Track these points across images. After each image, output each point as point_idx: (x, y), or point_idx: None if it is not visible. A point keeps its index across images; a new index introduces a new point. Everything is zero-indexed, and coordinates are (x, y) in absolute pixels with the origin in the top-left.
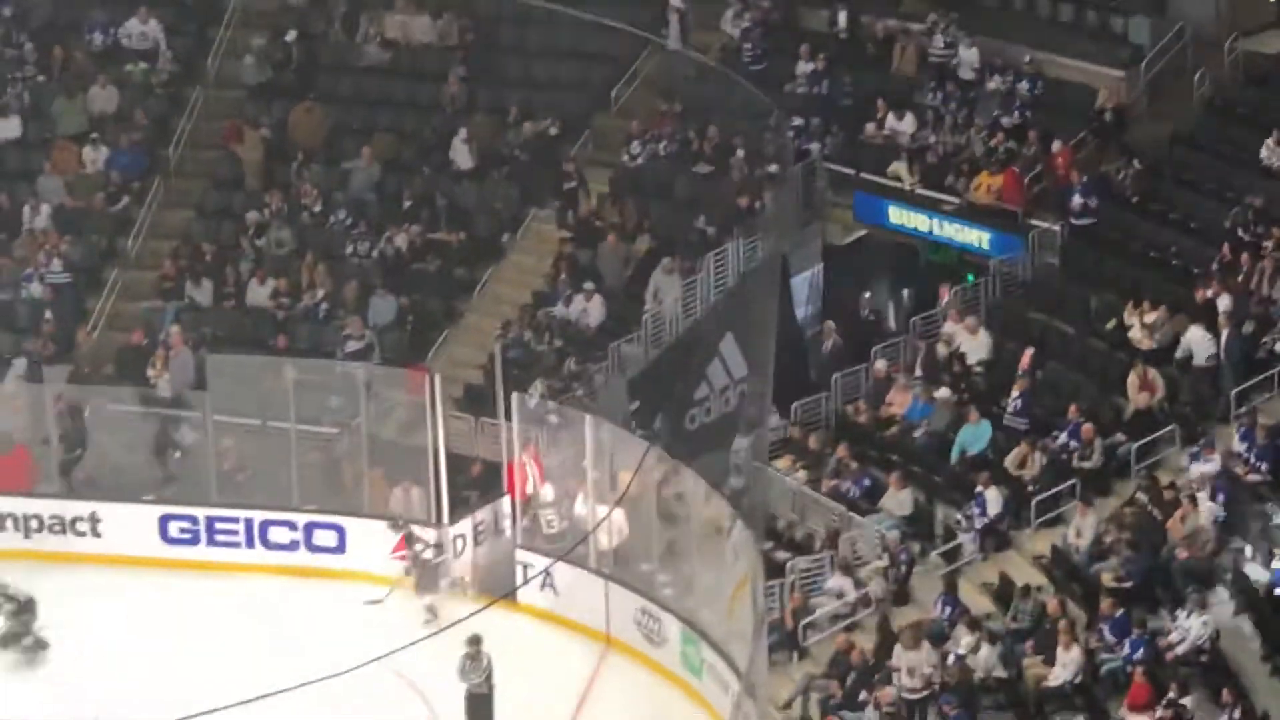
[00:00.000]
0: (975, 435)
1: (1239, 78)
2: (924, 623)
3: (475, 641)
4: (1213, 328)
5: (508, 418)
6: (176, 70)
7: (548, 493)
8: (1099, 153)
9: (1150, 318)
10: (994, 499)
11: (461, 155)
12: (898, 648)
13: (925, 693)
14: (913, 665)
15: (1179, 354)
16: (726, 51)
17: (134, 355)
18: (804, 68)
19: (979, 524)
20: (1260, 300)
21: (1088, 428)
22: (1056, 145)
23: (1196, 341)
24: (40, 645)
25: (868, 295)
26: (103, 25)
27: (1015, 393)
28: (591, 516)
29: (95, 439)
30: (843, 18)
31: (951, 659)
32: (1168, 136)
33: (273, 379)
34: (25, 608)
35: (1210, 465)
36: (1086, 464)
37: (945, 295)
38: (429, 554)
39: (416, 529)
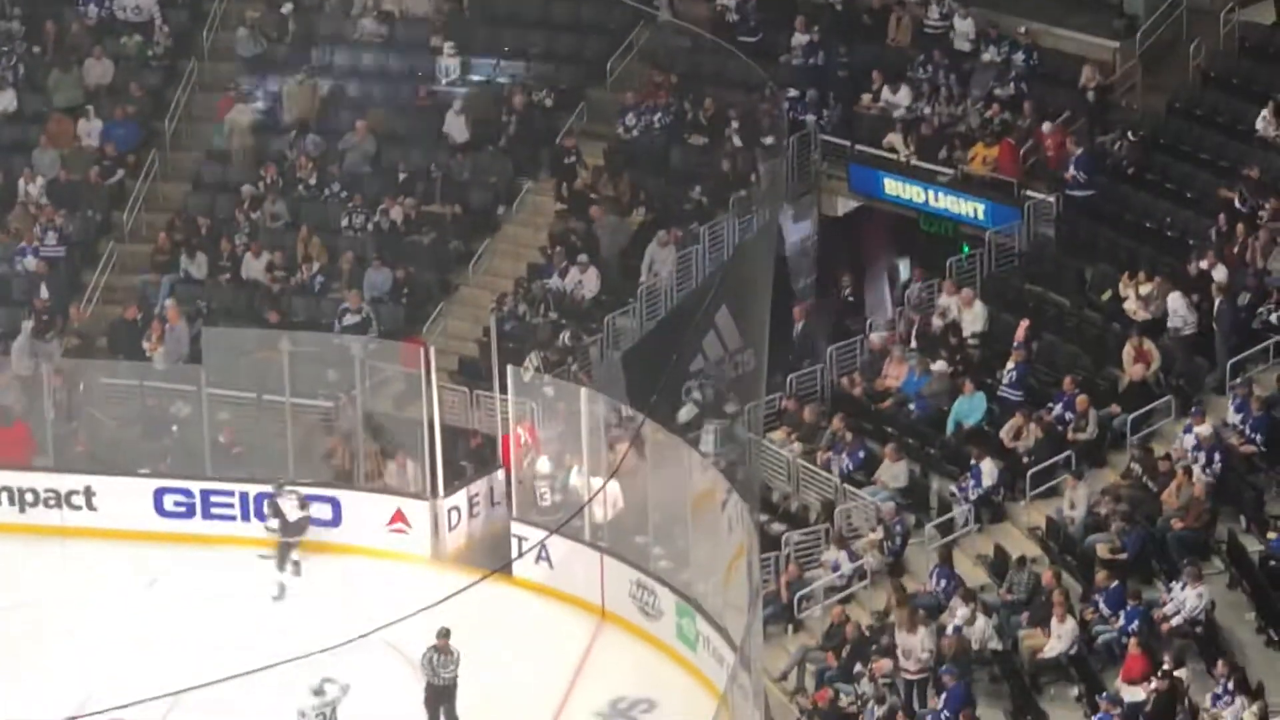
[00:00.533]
0: (970, 407)
1: (1235, 48)
2: (919, 612)
3: (444, 634)
4: (1205, 298)
5: (503, 391)
6: (171, 43)
7: (544, 465)
8: (1091, 125)
9: (1145, 289)
10: (989, 470)
11: (456, 128)
12: (897, 631)
13: (924, 675)
14: (909, 648)
15: (1170, 324)
16: (720, 23)
17: (129, 329)
18: (799, 39)
19: (974, 496)
20: (1256, 271)
21: (1082, 399)
22: (1047, 126)
23: (1176, 308)
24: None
25: (847, 277)
26: None
27: (1010, 364)
28: (586, 489)
29: (90, 413)
30: None
31: (950, 629)
32: (1163, 107)
33: (268, 352)
34: None
35: (1202, 430)
36: (1081, 435)
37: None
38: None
39: (284, 501)
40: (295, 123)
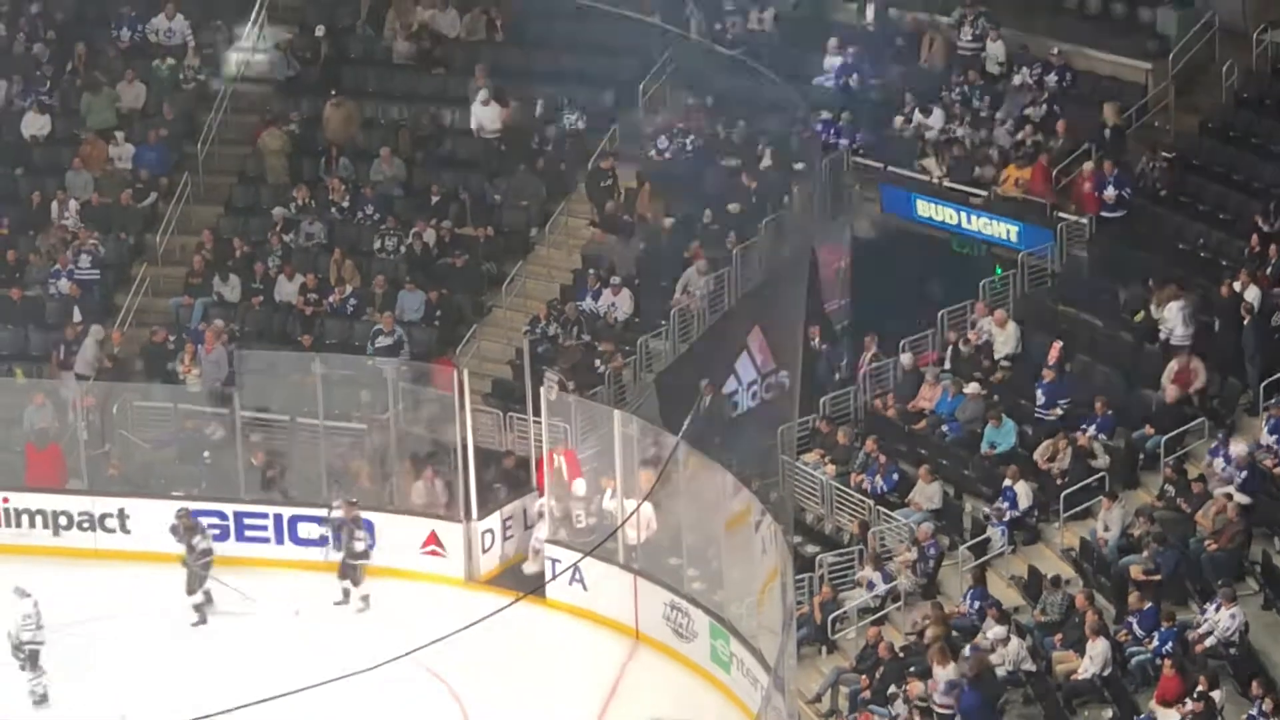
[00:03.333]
0: (1000, 435)
1: (1267, 69)
2: (951, 647)
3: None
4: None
5: (536, 412)
6: (204, 66)
7: (580, 487)
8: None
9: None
10: (1024, 492)
11: (486, 117)
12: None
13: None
14: (940, 680)
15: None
16: (754, 45)
17: (162, 351)
18: (831, 61)
19: (1007, 518)
20: None
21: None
22: (1086, 167)
23: (1170, 318)
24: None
25: (815, 329)
26: (130, 21)
27: (1043, 386)
28: (620, 511)
29: (123, 435)
30: (870, 11)
31: (967, 649)
32: (1196, 128)
33: (301, 375)
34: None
35: (1237, 450)
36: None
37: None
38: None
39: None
40: (330, 145)
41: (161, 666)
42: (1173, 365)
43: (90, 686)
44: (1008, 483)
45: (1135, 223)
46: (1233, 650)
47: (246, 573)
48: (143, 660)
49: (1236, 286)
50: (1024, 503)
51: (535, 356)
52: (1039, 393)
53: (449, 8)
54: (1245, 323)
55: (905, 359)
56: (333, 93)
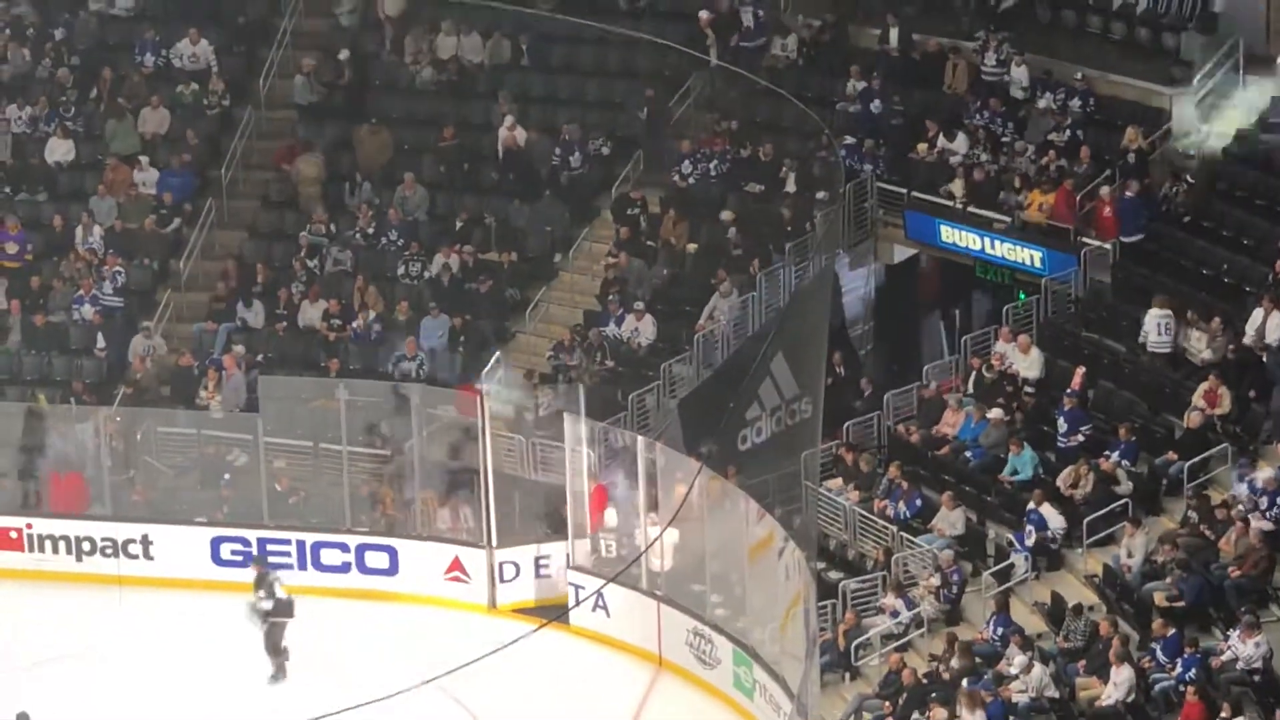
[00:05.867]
0: (1020, 463)
1: None
2: (979, 693)
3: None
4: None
5: (560, 439)
6: (227, 91)
7: (611, 518)
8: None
9: (1200, 331)
10: (1051, 515)
11: (513, 175)
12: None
13: None
14: None
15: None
16: (777, 70)
17: (186, 377)
18: (855, 86)
19: (1032, 540)
20: None
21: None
22: (1105, 191)
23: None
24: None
25: (837, 355)
26: (154, 46)
27: (1065, 412)
28: (643, 538)
29: (146, 461)
30: (894, 35)
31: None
32: (1219, 153)
33: (325, 400)
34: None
35: (1260, 476)
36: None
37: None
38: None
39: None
40: (361, 170)
41: (182, 693)
42: (1202, 388)
43: (112, 713)
44: (1032, 506)
45: (1159, 248)
46: (1256, 677)
47: None
48: (163, 686)
49: (1259, 313)
50: (1053, 524)
51: (559, 382)
52: (1062, 419)
53: (473, 33)
54: (1272, 348)
55: (929, 385)
56: (372, 120)
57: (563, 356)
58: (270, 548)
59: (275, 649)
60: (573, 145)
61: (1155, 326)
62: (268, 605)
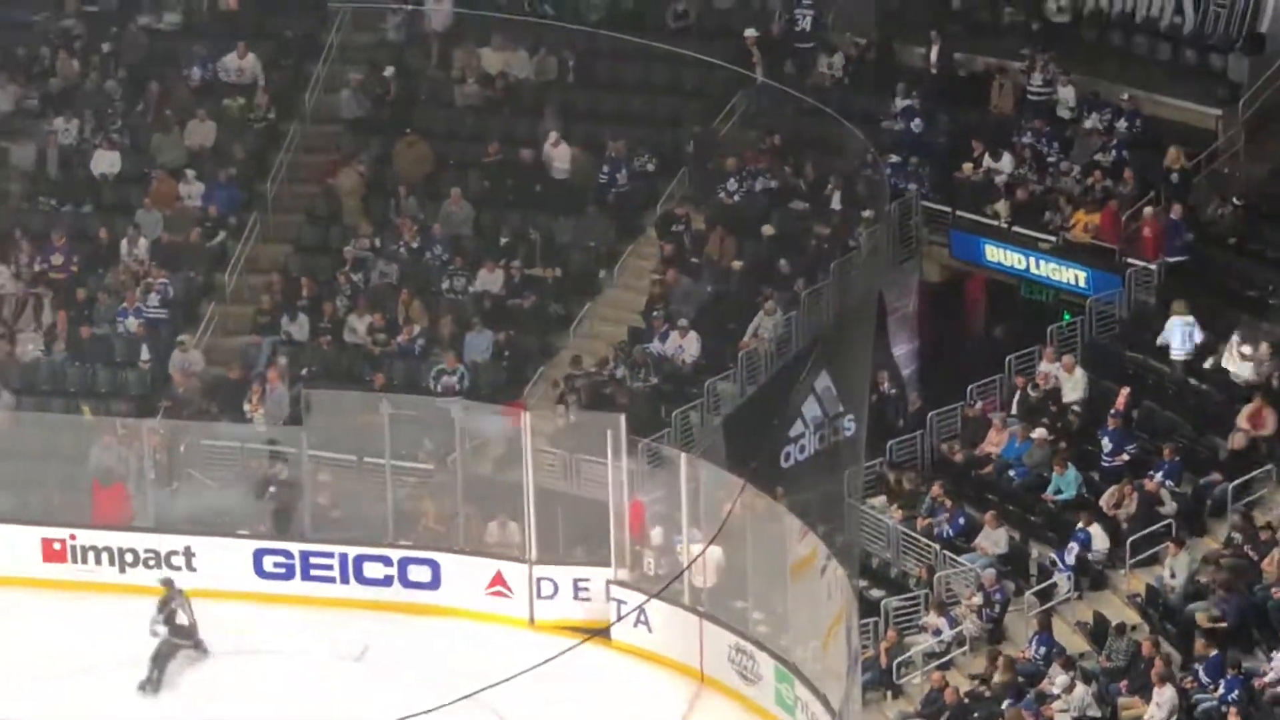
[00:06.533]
0: (1064, 482)
1: None
2: (1022, 713)
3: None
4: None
5: (603, 454)
6: (273, 105)
7: (656, 536)
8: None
9: (1248, 350)
10: (1098, 535)
11: (559, 157)
12: None
13: None
14: None
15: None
16: (822, 88)
17: (230, 390)
18: (900, 104)
19: (1072, 559)
20: None
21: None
22: (1148, 212)
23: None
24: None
25: (884, 373)
26: (201, 60)
27: (1109, 431)
28: (686, 554)
29: (189, 473)
30: (934, 53)
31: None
32: (1265, 174)
33: (369, 414)
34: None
35: None
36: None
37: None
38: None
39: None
40: (401, 184)
41: (224, 705)
42: (1247, 409)
43: None
44: (1081, 525)
45: (1204, 269)
46: None
47: (312, 612)
48: (205, 698)
49: None
50: (1099, 544)
51: (603, 399)
52: (1106, 439)
53: (519, 49)
54: None
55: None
56: (406, 131)
57: (606, 373)
58: (313, 560)
59: (157, 659)
60: (618, 162)
61: (1180, 334)
62: (161, 631)
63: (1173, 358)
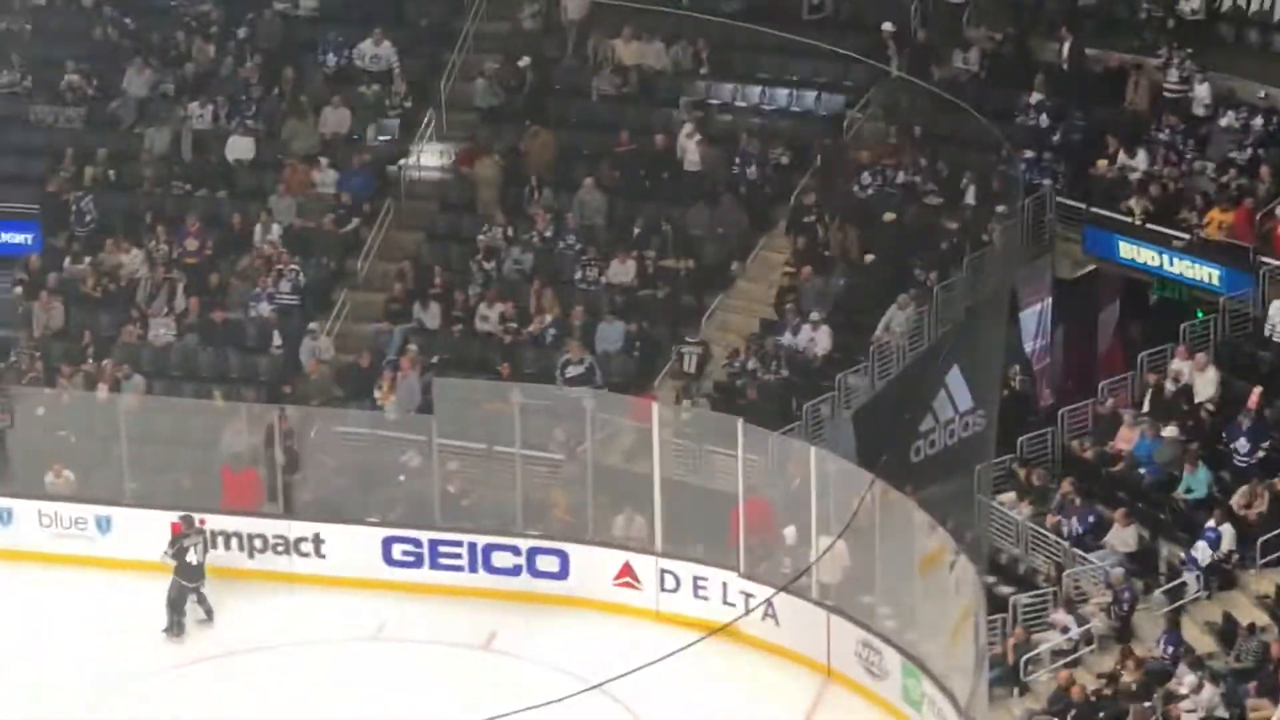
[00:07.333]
0: (1195, 481)
1: None
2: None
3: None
4: None
5: (733, 447)
6: (409, 93)
7: (791, 535)
8: None
9: None
10: (1228, 534)
11: (691, 182)
12: None
13: None
14: None
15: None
16: (957, 82)
17: (360, 377)
18: (1034, 100)
19: (1208, 558)
20: None
21: None
22: None
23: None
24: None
25: (1016, 367)
26: (336, 46)
27: (1242, 431)
28: (814, 548)
29: (319, 461)
30: (1065, 49)
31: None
32: None
33: (499, 403)
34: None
35: None
36: None
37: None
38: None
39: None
40: (533, 174)
41: (352, 690)
42: None
43: (282, 710)
44: (1211, 524)
45: None
46: None
47: (439, 600)
48: (333, 684)
49: None
50: (1227, 544)
51: (734, 391)
52: (1238, 438)
53: (655, 40)
54: None
55: (1106, 402)
56: (526, 122)
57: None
58: (442, 549)
59: (172, 605)
60: (751, 154)
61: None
62: (169, 563)
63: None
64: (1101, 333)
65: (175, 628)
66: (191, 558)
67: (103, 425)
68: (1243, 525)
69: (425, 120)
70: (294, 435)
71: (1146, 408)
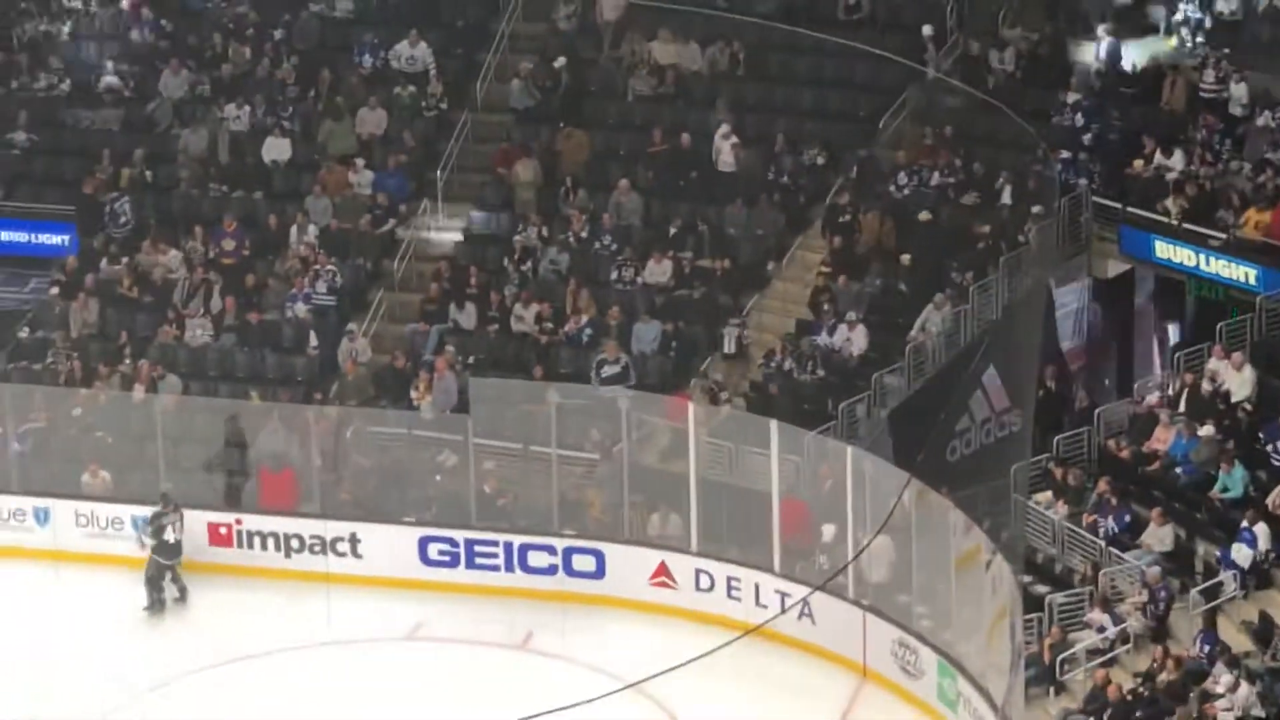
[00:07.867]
0: (1232, 481)
1: None
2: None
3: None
4: None
5: (768, 447)
6: (445, 94)
7: (828, 533)
8: None
9: None
10: (1263, 534)
11: (724, 152)
12: None
13: None
14: None
15: None
16: (993, 83)
17: (396, 377)
18: (1071, 99)
19: (1246, 557)
20: None
21: None
22: None
23: None
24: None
25: (1050, 368)
26: (372, 48)
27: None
28: (851, 546)
29: (356, 461)
30: (1102, 49)
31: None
32: None
33: (535, 403)
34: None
35: None
36: None
37: None
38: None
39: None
40: (568, 175)
41: (388, 690)
42: None
43: (317, 709)
44: (1245, 524)
45: None
46: None
47: (475, 600)
48: (369, 684)
49: None
50: (1263, 544)
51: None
52: (1275, 438)
53: (690, 41)
54: None
55: (1143, 401)
56: (562, 123)
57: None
58: (478, 549)
59: (150, 582)
60: (785, 155)
61: None
62: (148, 542)
63: None
64: (1139, 332)
65: (156, 605)
66: (169, 535)
67: (139, 425)
68: (1278, 524)
69: (461, 121)
70: (331, 435)
71: (1183, 407)
